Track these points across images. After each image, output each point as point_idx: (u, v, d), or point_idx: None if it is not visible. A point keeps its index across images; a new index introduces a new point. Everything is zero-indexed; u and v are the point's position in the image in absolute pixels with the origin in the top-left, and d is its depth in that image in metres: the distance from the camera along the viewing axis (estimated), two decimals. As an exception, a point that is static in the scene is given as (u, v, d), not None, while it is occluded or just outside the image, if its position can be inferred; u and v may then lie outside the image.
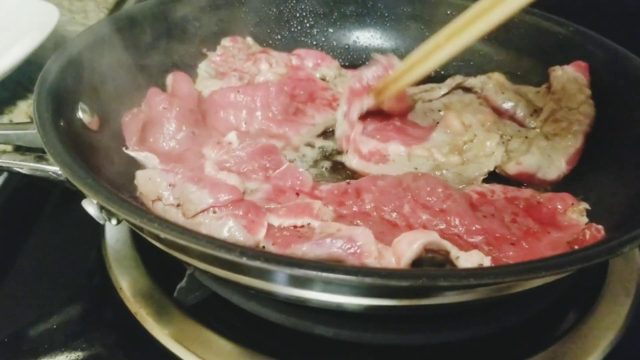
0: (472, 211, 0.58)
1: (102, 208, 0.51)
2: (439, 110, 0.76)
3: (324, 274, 0.39)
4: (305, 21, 0.95)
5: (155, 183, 0.59)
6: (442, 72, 0.89)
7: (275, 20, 0.95)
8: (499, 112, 0.75)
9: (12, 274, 0.64)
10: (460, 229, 0.56)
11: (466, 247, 0.54)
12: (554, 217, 0.60)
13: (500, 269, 0.40)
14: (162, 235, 0.42)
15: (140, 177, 0.60)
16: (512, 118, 0.75)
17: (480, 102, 0.77)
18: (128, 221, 0.48)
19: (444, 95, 0.78)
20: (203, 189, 0.57)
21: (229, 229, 0.55)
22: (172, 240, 0.43)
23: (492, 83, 0.77)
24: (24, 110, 0.86)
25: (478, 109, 0.75)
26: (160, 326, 0.56)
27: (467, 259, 0.51)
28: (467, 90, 0.79)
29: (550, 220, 0.59)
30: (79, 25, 1.14)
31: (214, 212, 0.56)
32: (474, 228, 0.56)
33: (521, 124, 0.74)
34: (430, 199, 0.59)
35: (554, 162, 0.67)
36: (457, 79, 0.79)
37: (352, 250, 0.52)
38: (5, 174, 0.74)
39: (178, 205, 0.58)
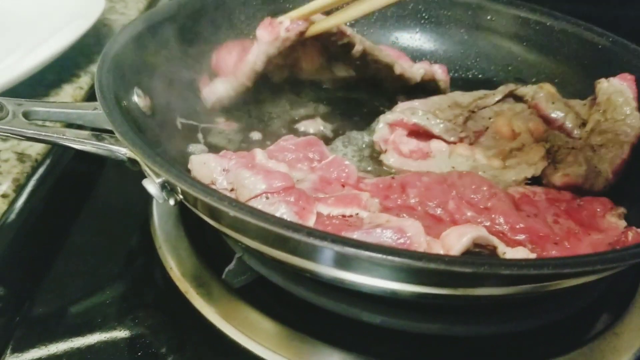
0: (515, 210, 0.60)
1: (163, 187, 0.53)
2: (489, 118, 0.78)
3: (390, 257, 0.40)
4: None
5: (209, 168, 0.61)
6: (480, 76, 0.92)
7: (316, 18, 0.97)
8: (548, 122, 0.77)
9: (64, 251, 0.66)
10: (505, 226, 0.58)
11: (510, 244, 0.56)
12: (594, 219, 0.61)
13: (559, 260, 0.41)
14: (232, 213, 0.44)
15: (195, 161, 0.62)
16: (561, 128, 0.76)
17: (531, 112, 0.78)
18: (195, 198, 0.50)
19: (497, 102, 0.79)
20: (257, 175, 0.59)
21: (281, 214, 0.56)
22: (239, 218, 0.44)
23: (543, 93, 0.78)
24: (69, 92, 0.88)
25: (529, 117, 0.76)
26: (209, 305, 0.58)
27: (514, 255, 0.53)
28: (518, 99, 0.81)
29: (590, 223, 0.61)
30: (119, 14, 1.17)
31: (267, 197, 0.58)
32: (518, 227, 0.58)
33: (569, 135, 0.76)
34: (474, 196, 0.61)
35: (601, 173, 0.68)
36: (510, 86, 0.81)
37: (401, 241, 0.53)
38: (50, 156, 0.76)
39: (232, 190, 0.60)
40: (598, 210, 0.63)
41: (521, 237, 0.57)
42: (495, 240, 0.53)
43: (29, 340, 0.56)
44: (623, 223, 0.61)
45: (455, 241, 0.52)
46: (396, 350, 0.57)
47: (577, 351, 0.56)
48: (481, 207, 0.60)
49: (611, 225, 0.60)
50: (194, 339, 0.58)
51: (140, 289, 0.63)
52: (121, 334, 0.58)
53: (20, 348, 0.56)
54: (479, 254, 0.54)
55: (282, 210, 0.56)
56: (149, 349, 0.57)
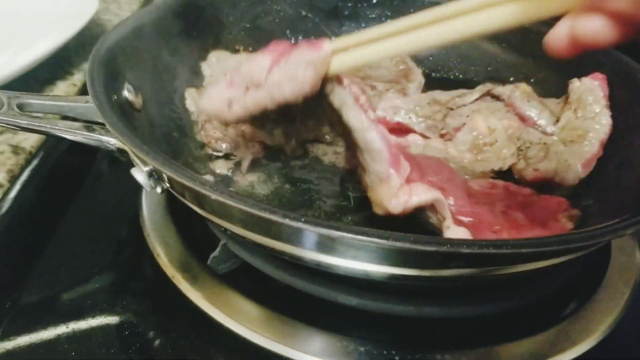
0: (467, 197, 0.63)
1: (150, 175, 0.56)
2: (467, 115, 0.81)
3: (359, 237, 0.43)
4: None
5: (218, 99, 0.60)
6: (461, 77, 0.95)
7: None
8: (523, 119, 0.80)
9: (55, 238, 0.69)
10: (452, 207, 0.60)
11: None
12: (545, 216, 0.64)
13: (519, 241, 0.44)
14: (213, 197, 0.47)
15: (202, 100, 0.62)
16: (535, 125, 0.79)
17: (507, 110, 0.81)
18: (180, 184, 0.53)
19: (475, 100, 0.83)
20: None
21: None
22: (220, 202, 0.47)
23: (519, 92, 0.81)
24: (63, 89, 0.91)
25: (504, 115, 0.80)
26: (194, 289, 0.60)
27: (456, 232, 0.56)
28: (495, 98, 0.84)
29: (540, 219, 0.63)
30: (112, 15, 1.20)
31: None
32: (464, 210, 0.60)
33: (543, 132, 0.79)
34: (434, 178, 0.63)
35: (571, 167, 0.71)
36: (488, 85, 0.84)
37: None
38: (43, 149, 0.78)
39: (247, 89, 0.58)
40: (552, 208, 0.65)
41: (464, 219, 0.60)
42: (447, 213, 0.56)
43: (19, 326, 0.59)
44: (571, 225, 0.63)
45: (421, 192, 0.56)
46: (374, 331, 0.59)
47: (545, 333, 0.59)
48: (437, 187, 0.63)
49: (558, 225, 0.63)
50: (180, 322, 0.60)
51: (129, 275, 0.66)
52: (110, 319, 0.60)
53: (10, 334, 0.58)
54: (427, 220, 0.58)
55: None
56: (137, 331, 0.59)
